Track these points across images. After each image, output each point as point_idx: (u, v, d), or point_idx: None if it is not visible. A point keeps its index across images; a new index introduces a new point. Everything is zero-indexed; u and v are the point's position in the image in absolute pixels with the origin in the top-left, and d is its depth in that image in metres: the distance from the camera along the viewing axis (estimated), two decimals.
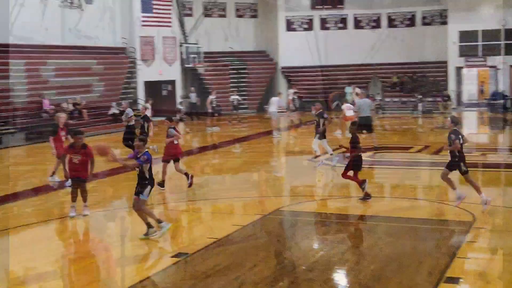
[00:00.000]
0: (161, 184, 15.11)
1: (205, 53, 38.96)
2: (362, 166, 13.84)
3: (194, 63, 38.25)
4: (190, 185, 15.14)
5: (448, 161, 12.41)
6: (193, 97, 35.92)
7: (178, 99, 37.74)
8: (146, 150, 11.02)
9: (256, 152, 23.04)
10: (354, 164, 13.60)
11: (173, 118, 16.69)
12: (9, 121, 26.71)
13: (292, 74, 41.52)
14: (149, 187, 10.86)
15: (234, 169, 19.22)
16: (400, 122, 32.83)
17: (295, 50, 41.08)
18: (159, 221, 11.00)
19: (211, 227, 11.94)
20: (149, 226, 10.91)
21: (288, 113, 32.45)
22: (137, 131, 20.39)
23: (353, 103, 25.29)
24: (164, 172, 15.35)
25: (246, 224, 11.76)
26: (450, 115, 13.21)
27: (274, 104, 27.80)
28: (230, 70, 41.08)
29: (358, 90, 33.63)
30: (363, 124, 21.44)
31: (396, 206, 13.08)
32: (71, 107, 29.79)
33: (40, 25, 30.65)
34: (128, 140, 20.13)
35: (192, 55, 38.12)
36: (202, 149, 24.45)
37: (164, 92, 38.31)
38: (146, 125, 20.43)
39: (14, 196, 15.53)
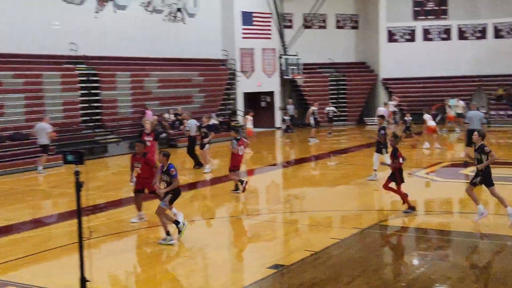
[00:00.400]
0: (237, 188, 16.25)
1: (304, 64, 38.96)
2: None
3: (293, 75, 38.32)
4: (244, 190, 16.14)
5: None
6: (291, 109, 35.96)
7: (277, 110, 37.92)
8: (170, 162, 11.72)
9: (356, 164, 22.73)
10: (395, 176, 13.59)
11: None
12: (115, 130, 27.68)
13: (393, 86, 40.77)
14: (169, 195, 11.60)
15: (333, 181, 19.03)
16: (506, 136, 31.51)
17: (397, 61, 40.38)
18: (167, 233, 11.54)
19: (308, 239, 11.83)
20: (167, 234, 11.54)
21: (389, 125, 31.92)
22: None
23: (461, 115, 24.59)
24: (234, 179, 16.31)
25: (344, 238, 11.58)
26: (477, 130, 13.21)
27: (384, 112, 27.58)
28: (329, 81, 40.87)
29: (461, 102, 32.64)
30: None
31: (501, 224, 12.49)
32: (172, 117, 30.52)
33: (144, 38, 31.65)
34: (191, 149, 21.50)
35: (291, 67, 38.21)
36: (301, 161, 24.38)
37: (263, 104, 38.60)
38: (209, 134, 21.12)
39: (118, 203, 16.04)
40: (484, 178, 12.35)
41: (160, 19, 33.17)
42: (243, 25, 36.46)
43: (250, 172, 21.82)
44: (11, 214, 15.21)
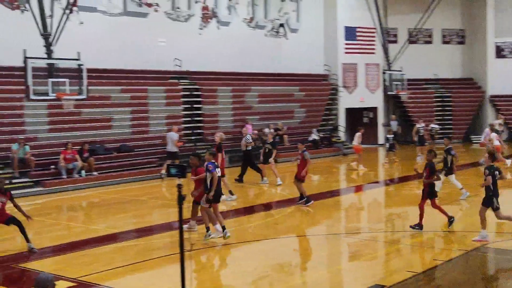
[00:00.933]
0: (302, 197, 17.09)
1: (409, 80, 38.04)
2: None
3: (397, 91, 37.50)
4: (306, 203, 17.01)
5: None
6: (394, 125, 35.16)
7: (380, 126, 37.30)
8: (213, 161, 12.90)
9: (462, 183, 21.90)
10: (429, 192, 13.59)
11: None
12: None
13: (501, 103, 39.17)
14: (205, 195, 12.77)
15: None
16: None
17: (506, 77, 38.76)
18: (224, 228, 12.74)
19: (410, 260, 11.46)
20: (207, 229, 12.77)
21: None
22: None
23: None
24: (299, 188, 17.12)
25: (447, 260, 11.12)
26: (488, 150, 13.49)
27: (487, 135, 26.64)
28: (434, 98, 39.81)
29: None
30: None
31: None
32: (273, 132, 30.59)
33: (246, 53, 32.05)
34: (246, 163, 22.11)
35: (395, 82, 37.39)
36: (404, 179, 23.75)
37: (365, 120, 38.05)
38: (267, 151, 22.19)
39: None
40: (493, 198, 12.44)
41: (263, 34, 33.51)
42: (346, 40, 36.21)
43: (357, 189, 21.57)
44: (116, 223, 15.69)
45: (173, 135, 23.60)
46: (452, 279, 10.09)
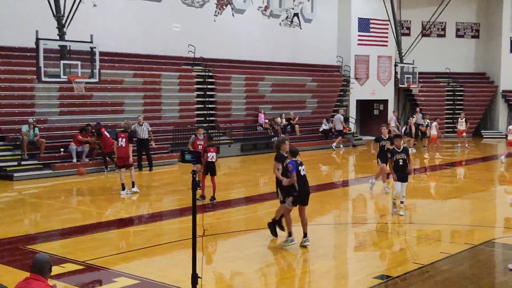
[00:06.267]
0: None
1: (421, 73, 37.88)
2: None
3: (408, 84, 37.37)
4: None
5: None
6: (393, 121, 34.76)
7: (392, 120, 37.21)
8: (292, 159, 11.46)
9: (471, 178, 21.91)
10: None
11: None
12: (227, 132, 28.14)
13: None
14: (291, 197, 11.45)
15: (445, 195, 18.40)
16: None
17: None
18: (289, 234, 11.62)
19: (416, 252, 11.50)
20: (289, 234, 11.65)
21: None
22: None
23: None
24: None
25: (454, 253, 11.15)
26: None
27: None
28: (446, 92, 39.67)
29: None
30: None
31: None
32: (284, 121, 30.65)
33: (260, 42, 32.06)
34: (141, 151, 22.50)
35: (407, 75, 37.22)
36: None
37: (375, 112, 38.02)
38: None
39: (227, 203, 16.25)
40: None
41: (277, 23, 33.47)
42: (360, 31, 36.16)
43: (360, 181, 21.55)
44: (124, 208, 15.82)
45: (340, 117, 31.27)
46: (458, 273, 10.12)
